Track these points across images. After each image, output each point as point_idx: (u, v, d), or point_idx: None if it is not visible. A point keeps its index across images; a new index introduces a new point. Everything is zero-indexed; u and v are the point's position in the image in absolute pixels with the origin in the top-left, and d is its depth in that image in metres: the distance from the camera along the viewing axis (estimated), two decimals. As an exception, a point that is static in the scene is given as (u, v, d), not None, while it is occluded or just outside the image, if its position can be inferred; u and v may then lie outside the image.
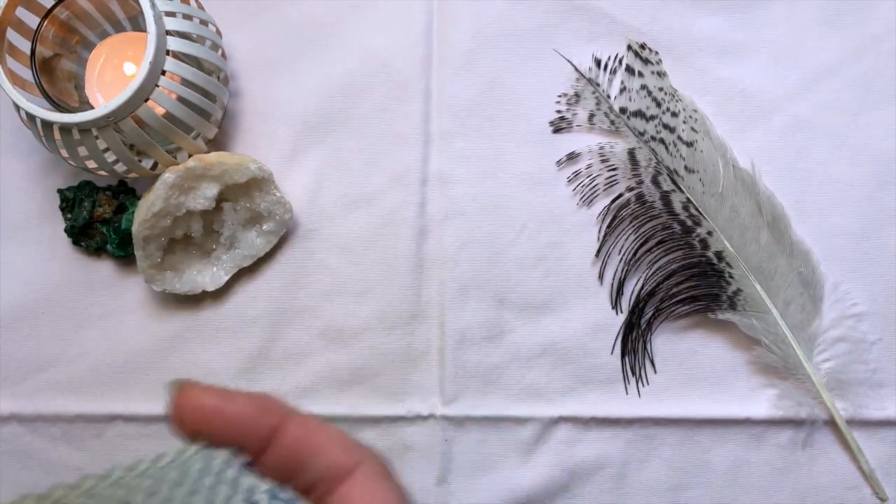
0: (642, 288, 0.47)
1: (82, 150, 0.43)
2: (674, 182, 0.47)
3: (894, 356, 0.46)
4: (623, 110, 0.48)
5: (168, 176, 0.43)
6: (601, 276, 0.47)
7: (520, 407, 0.46)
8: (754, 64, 0.49)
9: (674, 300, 0.46)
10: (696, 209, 0.46)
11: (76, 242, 0.48)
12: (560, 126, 0.49)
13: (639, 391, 0.47)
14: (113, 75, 0.45)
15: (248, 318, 0.47)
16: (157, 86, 0.41)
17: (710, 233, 0.46)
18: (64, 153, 0.43)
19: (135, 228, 0.44)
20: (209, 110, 0.44)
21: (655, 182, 0.47)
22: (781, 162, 0.48)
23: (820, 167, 0.48)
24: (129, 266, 0.48)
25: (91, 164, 0.44)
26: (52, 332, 0.48)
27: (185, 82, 0.42)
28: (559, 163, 0.48)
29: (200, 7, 0.45)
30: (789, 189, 0.47)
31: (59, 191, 0.48)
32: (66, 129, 0.41)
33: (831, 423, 0.46)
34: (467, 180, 0.48)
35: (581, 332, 0.47)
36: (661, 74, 0.48)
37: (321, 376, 0.47)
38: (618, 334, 0.47)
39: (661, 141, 0.47)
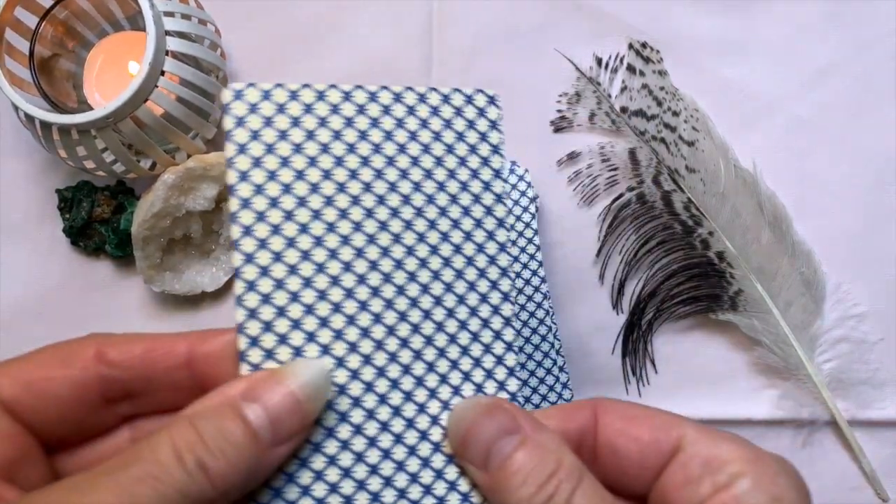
0: (643, 288, 0.47)
1: (81, 151, 0.43)
2: (675, 182, 0.47)
3: (896, 356, 0.46)
4: (624, 109, 0.48)
5: (168, 177, 0.43)
6: (602, 277, 0.47)
7: (520, 408, 0.46)
8: (755, 63, 0.49)
9: (675, 301, 0.46)
10: (698, 209, 0.46)
11: (75, 242, 0.47)
12: (561, 125, 0.48)
13: (639, 392, 0.46)
14: (112, 75, 0.45)
15: (247, 318, 0.47)
16: (157, 86, 0.41)
17: (711, 233, 0.46)
18: (62, 153, 0.43)
19: (134, 229, 0.44)
20: (208, 110, 0.44)
21: (656, 182, 0.47)
22: (783, 162, 0.48)
23: (821, 167, 0.48)
24: (127, 266, 0.48)
25: (90, 165, 0.43)
26: (51, 332, 0.47)
27: (185, 82, 0.42)
28: (559, 162, 0.48)
29: (200, 7, 0.45)
30: (791, 189, 0.47)
31: (58, 191, 0.48)
32: (64, 129, 0.41)
33: (833, 424, 0.46)
34: (467, 180, 0.48)
35: (582, 333, 0.47)
36: (662, 73, 0.48)
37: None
38: (618, 335, 0.47)
39: (662, 140, 0.47)
